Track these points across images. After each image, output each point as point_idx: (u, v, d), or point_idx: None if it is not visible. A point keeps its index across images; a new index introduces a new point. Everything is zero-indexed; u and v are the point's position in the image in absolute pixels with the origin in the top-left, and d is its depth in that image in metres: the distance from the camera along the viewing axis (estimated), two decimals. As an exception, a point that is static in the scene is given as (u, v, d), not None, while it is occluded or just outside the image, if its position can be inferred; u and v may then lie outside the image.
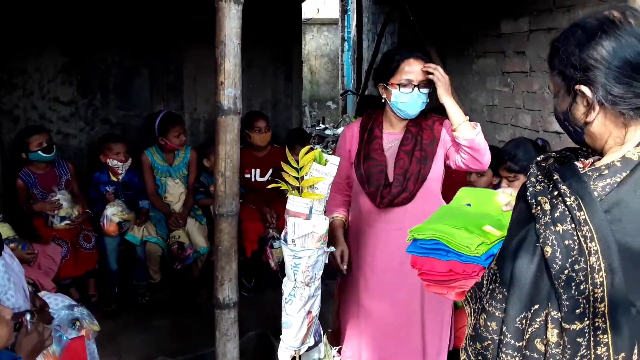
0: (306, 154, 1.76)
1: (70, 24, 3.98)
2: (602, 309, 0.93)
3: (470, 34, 4.06)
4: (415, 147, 2.20)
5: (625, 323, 0.94)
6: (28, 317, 2.00)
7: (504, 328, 1.01)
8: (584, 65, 0.99)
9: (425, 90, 2.16)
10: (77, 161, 4.05)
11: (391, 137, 2.27)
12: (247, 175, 4.18)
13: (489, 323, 1.05)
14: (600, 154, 1.07)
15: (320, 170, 1.75)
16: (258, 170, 4.12)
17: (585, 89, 1.00)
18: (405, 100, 2.15)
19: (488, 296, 1.06)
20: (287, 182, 1.77)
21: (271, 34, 4.64)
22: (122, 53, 4.24)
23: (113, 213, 3.69)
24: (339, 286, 2.47)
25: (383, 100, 2.24)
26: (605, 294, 0.92)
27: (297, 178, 1.75)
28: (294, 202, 1.76)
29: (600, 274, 0.92)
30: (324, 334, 2.08)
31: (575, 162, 1.06)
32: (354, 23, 9.13)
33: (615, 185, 0.95)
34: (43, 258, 3.30)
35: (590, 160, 1.09)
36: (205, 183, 4.04)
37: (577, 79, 1.00)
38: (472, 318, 1.12)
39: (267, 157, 4.11)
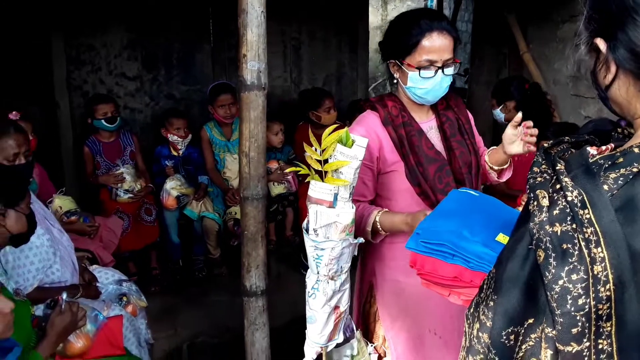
0: (330, 133, 1.57)
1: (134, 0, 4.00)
2: (609, 328, 0.75)
3: (555, -4, 3.61)
4: (463, 134, 1.86)
5: (636, 347, 0.74)
6: (64, 295, 2.01)
7: (490, 342, 0.84)
8: (607, 14, 0.80)
9: (450, 71, 1.72)
10: (143, 136, 4.11)
11: (425, 126, 1.85)
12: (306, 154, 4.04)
13: (480, 334, 0.87)
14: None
15: (345, 153, 1.56)
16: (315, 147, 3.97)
17: (600, 42, 0.82)
18: (426, 86, 1.72)
19: (484, 303, 0.89)
20: (308, 166, 1.60)
21: (334, 3, 4.42)
22: (184, 28, 4.22)
23: (172, 187, 3.72)
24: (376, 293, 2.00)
25: (395, 81, 1.81)
26: (613, 312, 0.74)
27: (319, 161, 1.57)
28: (316, 188, 1.58)
29: (608, 286, 0.74)
30: (357, 330, 1.91)
31: (589, 148, 0.84)
32: (436, -10, 8.62)
33: (631, 177, 0.76)
34: (104, 231, 3.37)
35: (610, 146, 0.87)
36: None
37: (597, 29, 0.82)
38: (469, 326, 0.94)
39: (325, 132, 3.94)
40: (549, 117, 3.19)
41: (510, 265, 0.83)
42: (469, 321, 0.94)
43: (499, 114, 3.23)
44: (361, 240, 1.68)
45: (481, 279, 1.19)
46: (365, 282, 1.98)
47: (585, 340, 0.75)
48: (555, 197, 0.79)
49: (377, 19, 9.09)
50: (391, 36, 1.79)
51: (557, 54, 3.64)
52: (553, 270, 0.76)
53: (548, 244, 0.77)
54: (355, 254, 1.70)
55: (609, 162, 0.78)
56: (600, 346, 0.75)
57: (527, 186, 0.86)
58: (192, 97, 4.35)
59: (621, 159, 0.78)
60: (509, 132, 1.82)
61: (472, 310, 0.94)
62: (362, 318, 2.03)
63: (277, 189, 3.86)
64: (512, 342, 0.82)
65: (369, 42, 4.87)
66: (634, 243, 0.73)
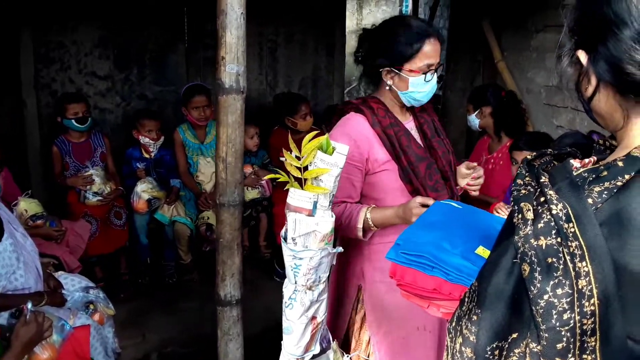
0: (311, 140, 1.53)
1: (106, -3, 3.90)
2: (593, 343, 0.74)
3: (530, 6, 3.65)
4: (439, 134, 1.92)
5: None
6: (29, 305, 1.93)
7: (474, 357, 0.83)
8: (589, 27, 0.80)
9: (439, 72, 1.80)
10: (114, 137, 3.99)
11: (409, 127, 1.90)
12: (282, 158, 3.99)
13: (463, 348, 0.85)
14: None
15: (325, 161, 1.52)
16: (294, 154, 3.93)
17: (582, 54, 0.82)
18: (426, 89, 1.77)
19: (466, 317, 0.87)
20: (287, 173, 1.55)
21: (311, 6, 4.39)
22: (158, 27, 4.12)
23: (143, 190, 3.63)
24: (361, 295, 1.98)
25: (388, 88, 1.80)
26: (597, 326, 0.74)
27: (299, 168, 1.53)
28: (295, 196, 1.54)
29: (592, 301, 0.74)
30: (333, 341, 1.87)
31: (573, 161, 0.84)
32: (411, -4, 8.69)
33: (615, 190, 0.75)
34: (71, 235, 3.27)
35: (593, 158, 0.87)
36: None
37: (579, 42, 0.82)
38: (451, 340, 0.93)
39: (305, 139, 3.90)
40: (522, 126, 3.23)
41: (494, 279, 0.82)
42: (450, 335, 0.93)
43: (474, 119, 3.25)
44: (340, 249, 1.64)
45: (460, 291, 1.17)
46: (353, 286, 1.93)
47: (570, 355, 0.75)
48: (540, 210, 0.78)
49: (352, 23, 9.10)
50: (383, 45, 1.77)
51: (531, 62, 3.69)
52: (538, 285, 0.75)
53: (533, 258, 0.76)
54: (334, 262, 1.67)
55: (593, 176, 0.78)
56: None
57: (511, 198, 0.85)
58: (166, 98, 4.26)
59: (605, 172, 0.77)
60: (463, 170, 1.93)
61: (454, 324, 0.93)
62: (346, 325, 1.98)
63: (251, 194, 3.81)
64: (496, 357, 0.81)
65: (345, 45, 4.86)
66: (618, 257, 0.73)
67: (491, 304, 0.81)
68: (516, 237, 0.79)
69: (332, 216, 1.58)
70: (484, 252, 1.25)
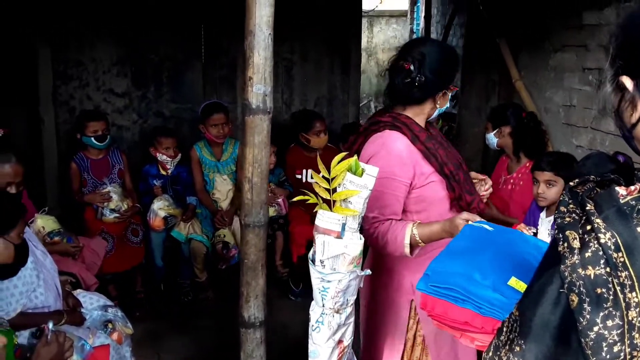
0: (340, 162, 1.52)
1: (124, 15, 3.95)
2: None
3: (547, 26, 3.65)
4: (449, 144, 2.00)
5: None
6: (50, 325, 1.92)
7: None
8: (634, 51, 0.79)
9: None
10: (130, 154, 4.01)
11: None
12: (298, 176, 4.00)
13: None
14: None
15: (355, 182, 1.51)
16: (310, 171, 3.93)
17: (627, 80, 0.81)
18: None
19: (507, 347, 0.85)
20: (316, 195, 1.54)
21: (327, 25, 4.42)
22: (175, 46, 4.17)
23: (159, 207, 3.62)
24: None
25: (432, 106, 1.89)
26: None
27: (328, 190, 1.52)
28: (323, 218, 1.53)
29: None
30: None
31: (618, 188, 0.82)
32: (423, 14, 8.74)
33: None
34: (87, 252, 3.26)
35: (638, 186, 0.84)
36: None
37: (623, 67, 0.80)
38: None
39: (320, 157, 3.89)
40: (542, 147, 3.20)
41: (540, 310, 0.80)
42: None
43: (492, 138, 3.23)
44: (368, 272, 1.62)
45: (492, 325, 1.15)
46: (405, 303, 1.89)
47: None
48: (587, 239, 0.77)
49: (363, 41, 9.17)
50: (448, 69, 1.88)
51: (549, 82, 3.67)
52: (587, 316, 0.73)
53: (582, 288, 0.74)
54: (361, 285, 1.65)
55: None
56: None
57: (555, 226, 0.83)
58: (182, 116, 4.28)
59: None
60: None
61: (490, 354, 0.91)
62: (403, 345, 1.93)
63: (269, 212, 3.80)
64: None
65: (360, 64, 4.87)
66: None
67: (537, 335, 0.79)
68: (562, 266, 0.77)
69: (360, 238, 1.57)
70: (517, 283, 1.23)
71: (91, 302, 2.59)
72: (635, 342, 0.71)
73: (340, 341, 1.66)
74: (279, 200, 3.82)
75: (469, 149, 4.77)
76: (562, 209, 0.85)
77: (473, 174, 1.99)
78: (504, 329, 0.89)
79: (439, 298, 1.29)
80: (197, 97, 4.27)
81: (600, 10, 3.08)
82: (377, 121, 1.87)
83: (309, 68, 4.56)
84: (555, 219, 0.84)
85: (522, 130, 3.10)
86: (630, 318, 0.71)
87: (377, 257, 1.93)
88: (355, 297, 1.63)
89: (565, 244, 0.78)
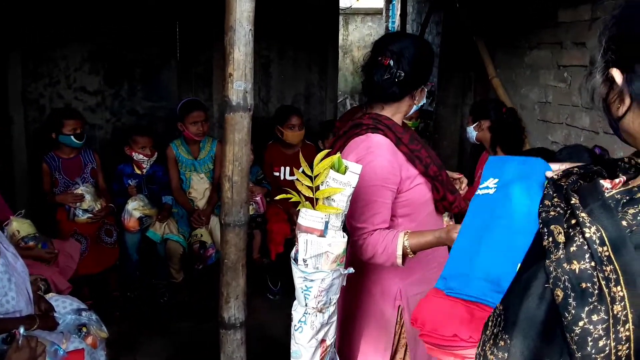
0: (322, 159, 1.49)
1: (96, 12, 3.85)
2: None
3: (523, 23, 3.69)
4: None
5: None
6: (22, 330, 1.84)
7: None
8: (626, 45, 0.78)
9: None
10: (103, 153, 3.92)
11: None
12: (276, 174, 3.97)
13: None
14: None
15: (338, 180, 1.49)
16: (287, 169, 3.90)
17: (617, 73, 0.80)
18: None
19: (491, 341, 0.84)
20: (298, 193, 1.51)
21: (304, 22, 4.39)
22: (149, 42, 4.09)
23: (134, 207, 3.55)
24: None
25: (410, 103, 1.83)
26: (632, 353, 0.72)
27: (310, 188, 1.49)
28: (306, 216, 1.50)
29: (627, 326, 0.71)
30: (341, 363, 1.82)
31: (602, 181, 0.82)
32: (399, 12, 8.77)
33: None
34: (62, 256, 3.17)
35: (622, 178, 0.84)
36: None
37: (614, 59, 0.80)
38: None
39: (298, 154, 3.87)
40: (520, 144, 3.23)
41: (525, 305, 0.79)
42: None
43: (471, 131, 3.26)
44: (352, 270, 1.60)
45: (479, 334, 1.13)
46: (393, 309, 1.84)
47: None
48: (572, 233, 0.76)
49: (339, 38, 9.17)
50: (425, 65, 1.82)
51: (525, 79, 3.72)
52: (573, 311, 0.73)
53: (567, 283, 0.74)
54: (344, 283, 1.63)
55: (627, 197, 0.76)
56: None
57: (540, 220, 0.82)
58: (157, 114, 4.20)
59: (639, 194, 0.75)
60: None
61: (479, 349, 0.89)
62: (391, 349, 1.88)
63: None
64: None
65: (338, 62, 4.86)
66: None
67: (522, 330, 0.78)
68: (547, 261, 0.76)
69: (344, 236, 1.54)
70: None
71: (64, 306, 2.51)
72: (620, 336, 0.71)
73: (323, 340, 1.63)
74: (257, 198, 3.78)
75: (447, 146, 4.80)
76: (547, 202, 0.84)
77: (449, 172, 1.96)
78: (490, 324, 0.88)
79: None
80: (172, 95, 4.20)
81: (575, 8, 3.12)
82: (358, 124, 1.80)
83: (286, 65, 4.53)
84: (539, 213, 0.83)
85: (501, 125, 3.13)
86: (615, 312, 0.71)
87: (358, 260, 1.82)
88: (338, 295, 1.60)
89: (550, 239, 0.78)
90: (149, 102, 4.19)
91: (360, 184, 1.55)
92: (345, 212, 1.54)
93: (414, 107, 1.86)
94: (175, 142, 3.78)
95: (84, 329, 2.41)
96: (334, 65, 4.74)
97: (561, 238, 0.77)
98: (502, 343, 0.81)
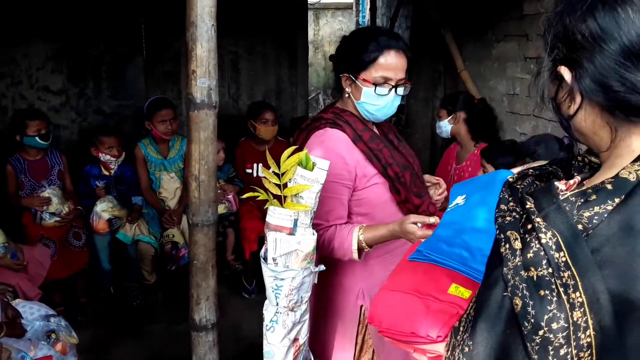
0: (290, 155, 1.47)
1: (60, 10, 3.74)
2: None
3: (490, 16, 3.72)
4: (400, 140, 1.90)
5: None
6: (-13, 338, 1.79)
7: None
8: (573, 41, 0.75)
9: (402, 91, 1.72)
10: (69, 154, 3.81)
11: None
12: (249, 170, 3.93)
13: None
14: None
15: (306, 177, 1.47)
16: (260, 165, 3.87)
17: (565, 71, 0.77)
18: (380, 103, 1.70)
19: (460, 347, 0.82)
20: (267, 190, 1.49)
21: (273, 18, 4.35)
22: (114, 40, 3.99)
23: (103, 209, 3.47)
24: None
25: (347, 95, 1.75)
26: (594, 358, 0.69)
27: (278, 185, 1.47)
28: (274, 214, 1.48)
29: (588, 332, 0.69)
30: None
31: (557, 183, 0.79)
32: (368, 6, 8.78)
33: (606, 215, 0.71)
34: (31, 263, 3.09)
35: (577, 179, 0.82)
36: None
37: (561, 57, 0.77)
38: None
39: (271, 151, 3.79)
40: (495, 133, 3.27)
41: (485, 314, 0.77)
42: None
43: (446, 125, 3.21)
44: (322, 267, 1.59)
45: (437, 333, 1.12)
46: (356, 308, 1.83)
47: None
48: (528, 239, 0.74)
49: (309, 33, 9.14)
50: (347, 50, 1.75)
51: (493, 72, 3.75)
52: (532, 320, 0.70)
53: (525, 291, 0.71)
54: (315, 281, 1.62)
55: (582, 200, 0.73)
56: None
57: (496, 226, 0.80)
58: (124, 113, 4.11)
59: (594, 196, 0.73)
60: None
61: (448, 353, 0.89)
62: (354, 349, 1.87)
63: (217, 209, 3.70)
64: None
65: (308, 57, 4.84)
66: (613, 286, 0.68)
67: (483, 339, 0.76)
68: (505, 269, 0.74)
69: (313, 234, 1.53)
70: None
71: (32, 312, 2.44)
72: (581, 343, 0.69)
73: (295, 339, 1.62)
74: (229, 196, 3.74)
75: (418, 139, 4.82)
76: (502, 207, 0.82)
77: (427, 176, 1.92)
78: (461, 329, 0.86)
79: (430, 263, 1.28)
80: (139, 93, 4.11)
81: (539, 0, 3.16)
82: (319, 117, 1.78)
83: (256, 61, 4.49)
84: (496, 219, 0.81)
85: (477, 115, 3.14)
86: (575, 319, 0.69)
87: (326, 258, 1.80)
88: (309, 293, 1.59)
89: (507, 245, 0.76)
90: (116, 101, 4.09)
91: None
92: (314, 209, 1.53)
93: (356, 105, 1.74)
94: (143, 141, 3.70)
95: (53, 335, 2.36)
96: (304, 60, 4.71)
97: (517, 244, 0.75)
98: (466, 349, 0.80)
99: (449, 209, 1.43)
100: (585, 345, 0.68)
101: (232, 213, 3.80)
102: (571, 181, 0.81)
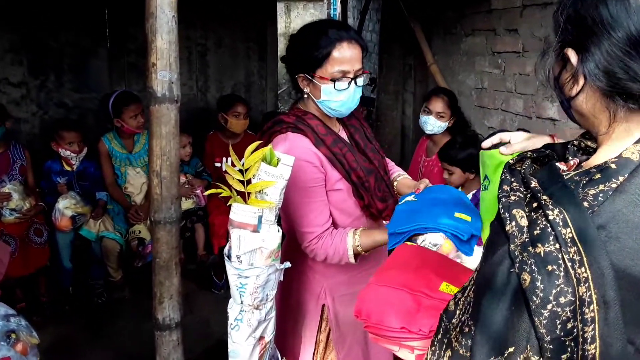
0: (253, 151, 1.44)
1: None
2: (593, 351, 0.72)
3: (458, 10, 3.73)
4: (370, 140, 1.83)
5: None
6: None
7: None
8: (583, 26, 0.78)
9: (361, 81, 1.65)
10: (30, 148, 3.69)
11: (343, 136, 1.79)
12: (218, 164, 3.87)
13: None
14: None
15: (270, 173, 1.44)
16: (230, 159, 3.81)
17: (572, 53, 0.80)
18: (341, 98, 1.63)
19: (458, 329, 0.84)
20: (230, 187, 1.46)
21: (243, 10, 4.27)
22: (77, 31, 3.86)
23: (66, 206, 3.37)
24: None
25: (306, 96, 1.69)
26: (597, 333, 0.71)
27: (242, 182, 1.44)
28: (238, 211, 1.45)
29: (592, 307, 0.71)
30: (282, 358, 1.79)
31: (557, 164, 0.83)
32: (339, -1, 8.72)
33: (611, 193, 0.74)
34: (-11, 261, 2.98)
35: (576, 160, 0.86)
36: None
37: (570, 40, 0.80)
38: (433, 354, 0.88)
39: (240, 144, 3.78)
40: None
41: (491, 292, 0.78)
42: (433, 348, 0.89)
43: (445, 125, 3.08)
44: (288, 264, 1.56)
45: (430, 326, 1.12)
46: (317, 307, 1.81)
47: None
48: (534, 217, 0.76)
49: (280, 26, 9.02)
50: (298, 49, 1.68)
51: (461, 66, 3.77)
52: (541, 294, 0.72)
53: (533, 267, 0.73)
54: (281, 278, 1.59)
55: (587, 179, 0.77)
56: None
57: (500, 206, 0.82)
58: (86, 106, 4.00)
59: (598, 175, 0.76)
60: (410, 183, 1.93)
61: (439, 336, 0.89)
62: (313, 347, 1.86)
63: (186, 204, 3.64)
64: None
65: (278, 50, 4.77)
66: (617, 261, 0.71)
67: (488, 317, 0.78)
68: (512, 245, 0.76)
69: (278, 230, 1.50)
70: (463, 216, 1.37)
71: (-11, 313, 2.36)
72: (586, 317, 0.71)
73: (261, 338, 1.59)
74: (197, 191, 3.67)
75: (389, 133, 4.83)
76: (505, 187, 0.84)
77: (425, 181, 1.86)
78: (457, 312, 0.87)
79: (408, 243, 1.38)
80: (103, 85, 4.00)
81: (506, -5, 3.18)
82: (280, 120, 1.70)
83: (224, 54, 4.41)
84: (499, 199, 0.82)
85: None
86: (580, 294, 0.71)
87: (291, 256, 1.74)
88: (275, 291, 1.56)
89: (513, 223, 0.78)
90: (78, 94, 3.97)
91: (291, 188, 1.51)
92: (279, 206, 1.50)
93: (318, 103, 1.67)
94: (107, 135, 3.60)
95: (13, 336, 2.28)
96: (274, 53, 4.63)
97: (524, 222, 0.77)
98: (467, 329, 0.81)
99: (401, 202, 1.56)
100: (589, 319, 0.71)
101: (200, 208, 3.74)
102: (571, 162, 0.85)
